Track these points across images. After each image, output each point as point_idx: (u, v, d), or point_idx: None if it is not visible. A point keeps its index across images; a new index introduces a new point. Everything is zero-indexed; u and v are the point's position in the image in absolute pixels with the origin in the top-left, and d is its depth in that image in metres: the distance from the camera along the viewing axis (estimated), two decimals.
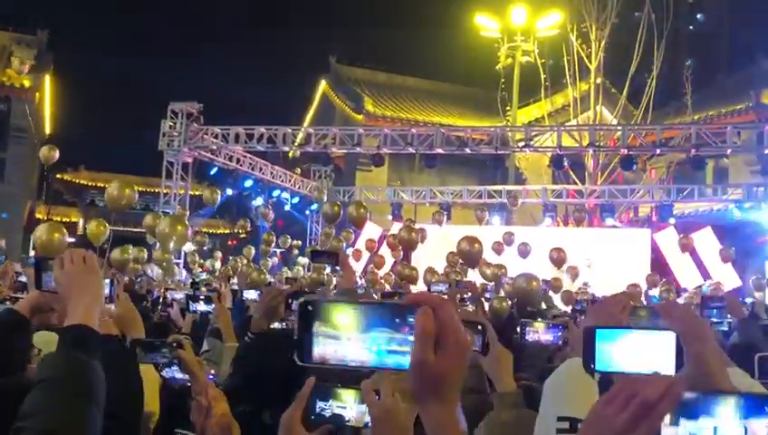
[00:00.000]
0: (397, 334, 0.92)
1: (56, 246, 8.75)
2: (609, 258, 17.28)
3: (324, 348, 0.94)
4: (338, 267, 6.89)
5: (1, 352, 1.99)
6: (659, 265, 17.39)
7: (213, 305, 3.88)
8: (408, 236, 14.87)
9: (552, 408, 1.80)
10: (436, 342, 0.90)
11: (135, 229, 17.88)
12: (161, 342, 2.19)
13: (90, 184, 33.12)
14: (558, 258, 14.91)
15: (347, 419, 1.52)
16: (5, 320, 2.07)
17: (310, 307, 0.95)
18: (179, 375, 2.18)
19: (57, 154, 14.70)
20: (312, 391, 1.52)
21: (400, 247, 17.23)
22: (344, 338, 0.94)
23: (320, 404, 1.53)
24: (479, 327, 2.02)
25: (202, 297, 4.06)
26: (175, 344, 2.12)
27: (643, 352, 1.30)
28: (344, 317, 0.95)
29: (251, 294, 6.18)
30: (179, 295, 6.37)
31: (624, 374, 1.25)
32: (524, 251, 15.34)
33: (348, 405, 1.52)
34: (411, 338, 0.91)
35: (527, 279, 7.86)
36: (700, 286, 14.64)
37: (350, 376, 1.41)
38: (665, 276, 16.07)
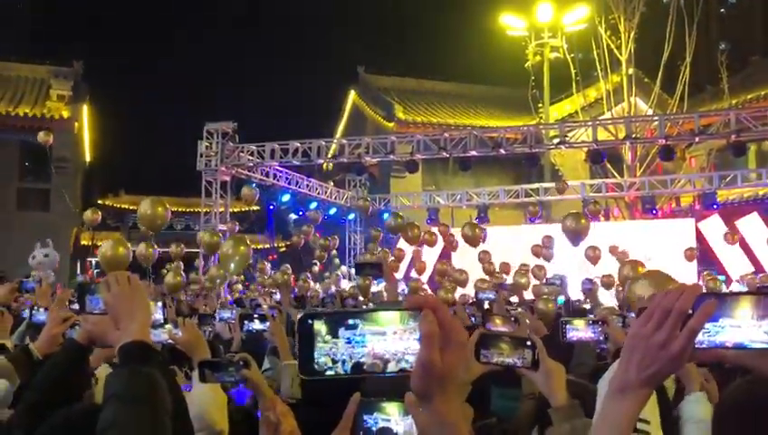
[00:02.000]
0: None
1: (121, 260, 9.01)
2: (653, 250, 16.97)
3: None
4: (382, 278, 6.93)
5: (65, 382, 2.04)
6: (705, 255, 17.04)
7: (268, 323, 3.89)
8: (472, 234, 14.93)
9: None
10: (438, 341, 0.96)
11: (177, 250, 18.14)
12: (228, 361, 2.23)
13: (131, 208, 33.82)
14: (594, 257, 14.58)
15: (395, 432, 1.50)
16: (67, 350, 2.13)
17: (310, 320, 0.97)
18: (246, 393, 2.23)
19: (100, 216, 15.44)
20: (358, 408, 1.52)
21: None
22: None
23: (365, 419, 1.51)
24: (528, 343, 2.00)
25: (257, 316, 4.07)
26: (241, 363, 2.16)
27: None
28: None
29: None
30: (227, 314, 6.28)
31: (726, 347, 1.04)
32: (548, 256, 15.02)
33: (393, 418, 1.49)
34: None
35: (633, 267, 7.59)
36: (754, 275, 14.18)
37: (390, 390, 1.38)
38: (712, 266, 15.74)
